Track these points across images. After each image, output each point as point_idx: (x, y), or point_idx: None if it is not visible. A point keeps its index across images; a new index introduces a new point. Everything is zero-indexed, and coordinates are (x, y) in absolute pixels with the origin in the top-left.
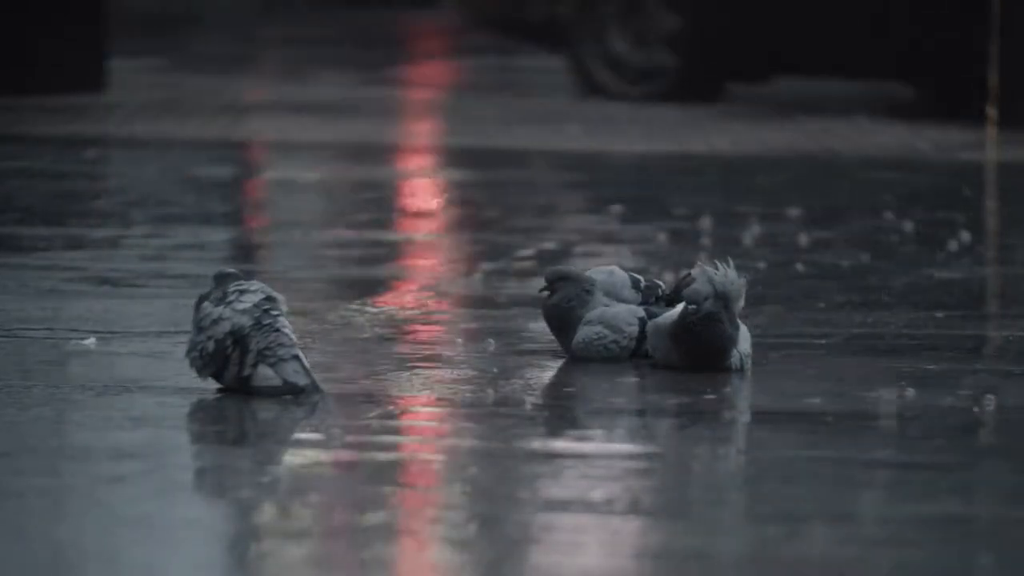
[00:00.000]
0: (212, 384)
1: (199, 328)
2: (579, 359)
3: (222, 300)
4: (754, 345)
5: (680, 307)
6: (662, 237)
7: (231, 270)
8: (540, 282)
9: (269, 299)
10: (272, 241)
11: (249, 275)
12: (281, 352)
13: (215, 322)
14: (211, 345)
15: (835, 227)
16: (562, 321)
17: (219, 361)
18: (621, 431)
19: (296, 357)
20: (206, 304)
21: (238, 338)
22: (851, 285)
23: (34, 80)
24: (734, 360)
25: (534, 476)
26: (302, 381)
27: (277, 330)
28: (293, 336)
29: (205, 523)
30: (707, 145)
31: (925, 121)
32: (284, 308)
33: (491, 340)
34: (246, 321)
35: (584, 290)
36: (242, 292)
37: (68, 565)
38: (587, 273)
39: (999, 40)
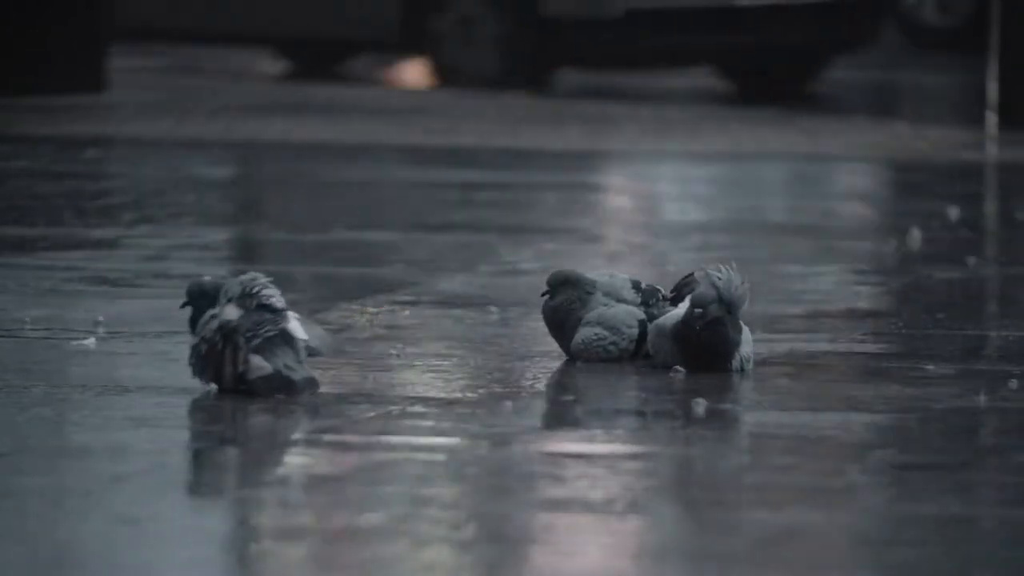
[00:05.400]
0: (211, 385)
1: (197, 333)
2: (578, 360)
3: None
4: (753, 346)
5: (683, 308)
6: (661, 237)
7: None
8: (540, 282)
9: (252, 279)
10: (272, 241)
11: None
12: (264, 330)
13: (206, 323)
14: (203, 347)
15: (835, 227)
16: (562, 324)
17: (215, 362)
18: (621, 431)
19: (283, 331)
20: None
21: (226, 332)
22: (852, 285)
23: (34, 80)
24: (735, 363)
25: (534, 476)
26: (296, 376)
27: (260, 307)
28: (281, 301)
29: (205, 523)
30: (707, 145)
31: (925, 121)
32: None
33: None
34: (233, 315)
35: (585, 292)
36: (229, 292)
37: (68, 565)
38: (587, 275)
39: (999, 40)
